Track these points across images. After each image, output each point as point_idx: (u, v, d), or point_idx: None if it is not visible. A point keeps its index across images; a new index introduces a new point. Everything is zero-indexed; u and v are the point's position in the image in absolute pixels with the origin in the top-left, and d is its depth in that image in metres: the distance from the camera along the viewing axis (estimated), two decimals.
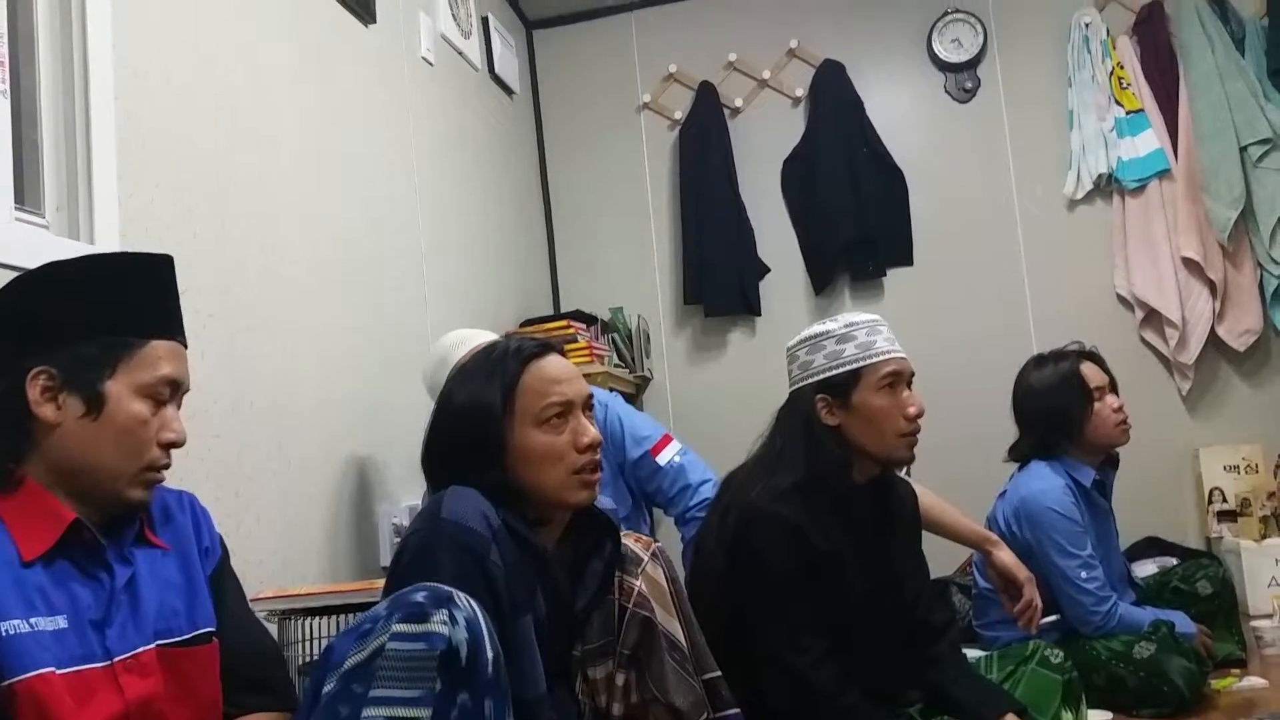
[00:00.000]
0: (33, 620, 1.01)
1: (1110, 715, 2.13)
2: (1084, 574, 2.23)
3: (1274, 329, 3.40)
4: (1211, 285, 3.40)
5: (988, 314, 3.60)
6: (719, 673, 1.44)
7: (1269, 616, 2.67)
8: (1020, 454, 2.40)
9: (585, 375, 1.43)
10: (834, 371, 1.78)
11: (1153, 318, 3.48)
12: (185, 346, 1.18)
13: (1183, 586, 2.51)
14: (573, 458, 1.31)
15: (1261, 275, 3.39)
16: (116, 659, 1.06)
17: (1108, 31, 3.58)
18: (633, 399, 3.67)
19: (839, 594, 1.72)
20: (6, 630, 0.99)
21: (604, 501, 1.40)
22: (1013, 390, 2.41)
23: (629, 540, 1.42)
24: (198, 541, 1.22)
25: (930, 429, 1.82)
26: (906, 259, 3.68)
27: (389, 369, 2.40)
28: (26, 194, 1.54)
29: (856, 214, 3.61)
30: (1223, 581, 2.52)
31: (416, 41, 2.87)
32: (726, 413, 3.58)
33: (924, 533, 1.99)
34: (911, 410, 1.77)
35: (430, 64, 2.93)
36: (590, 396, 1.37)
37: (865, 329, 1.79)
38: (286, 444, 1.96)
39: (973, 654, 2.02)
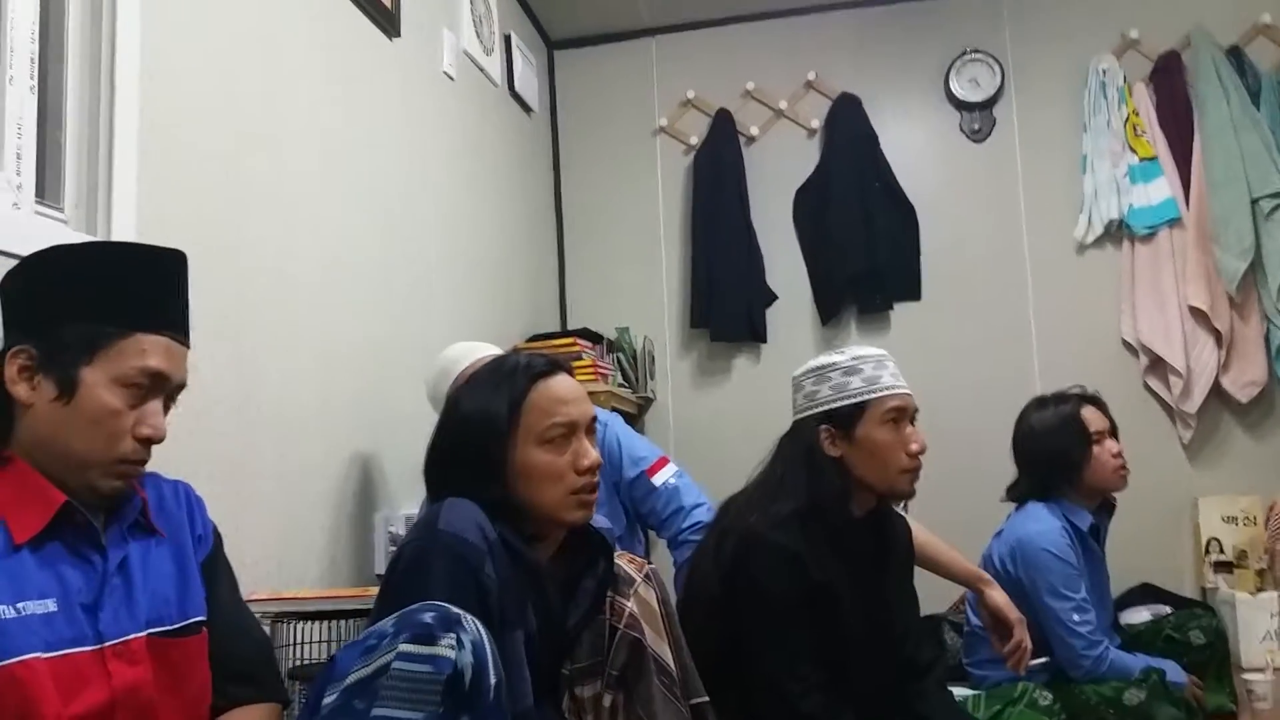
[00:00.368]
0: (20, 605, 1.01)
1: None
2: (1076, 617, 2.23)
3: (1278, 382, 3.40)
4: (1218, 335, 3.40)
5: (993, 353, 3.61)
6: (707, 698, 1.44)
7: (1261, 670, 2.66)
8: (1018, 494, 2.40)
9: (589, 393, 1.44)
10: (839, 403, 1.78)
11: (1157, 365, 3.48)
12: (185, 344, 1.17)
13: (1176, 635, 2.50)
14: (572, 478, 1.32)
15: (1268, 328, 3.39)
16: (107, 644, 1.06)
17: (1125, 78, 3.60)
18: (635, 419, 3.68)
19: (833, 625, 1.72)
20: None
21: (599, 520, 1.41)
22: (1013, 430, 2.42)
23: (622, 561, 1.43)
24: (191, 530, 1.22)
25: (930, 465, 1.82)
26: (914, 294, 3.69)
27: (393, 377, 2.42)
28: (47, 189, 1.56)
29: (866, 247, 3.63)
30: (1216, 632, 2.51)
31: (439, 56, 2.90)
32: (727, 437, 3.59)
33: (918, 569, 1.99)
34: (914, 446, 1.78)
35: (451, 79, 2.97)
36: (594, 419, 1.39)
37: (872, 363, 1.80)
38: (289, 447, 1.97)
39: (961, 693, 2.02)
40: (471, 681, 0.99)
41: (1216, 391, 3.43)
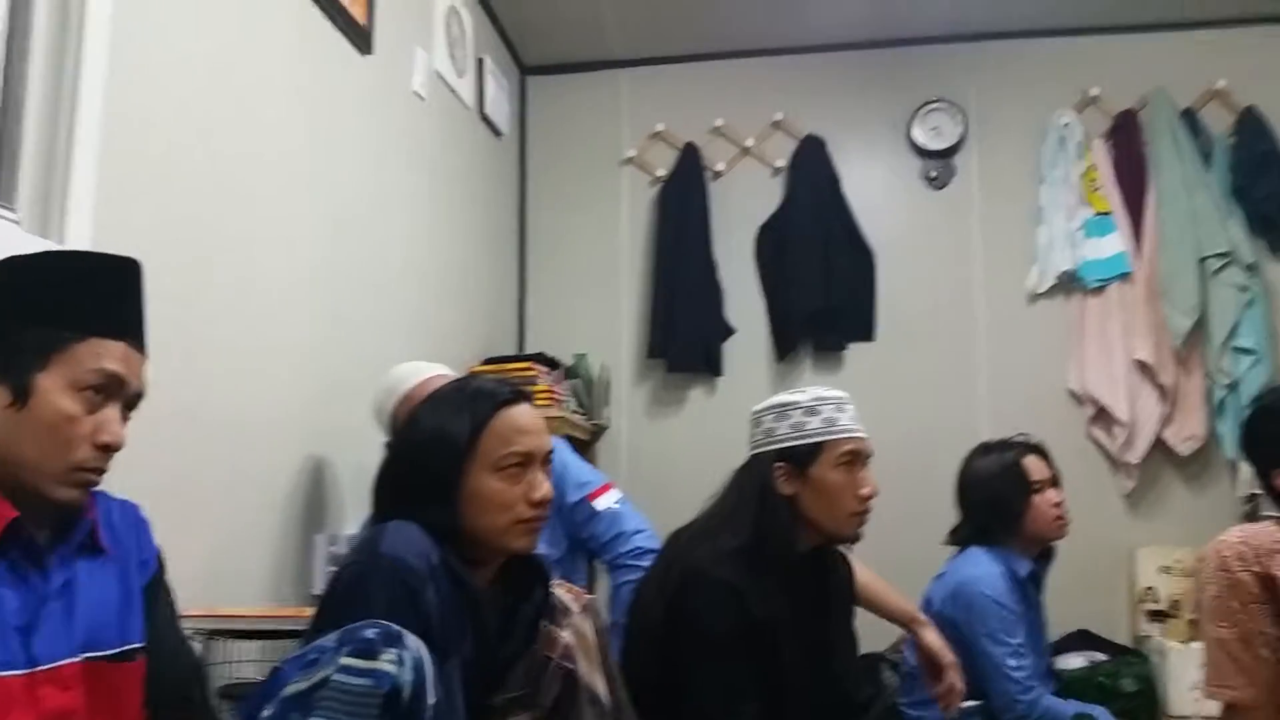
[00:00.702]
0: None
1: None
2: (1012, 662, 2.26)
3: (1217, 438, 3.48)
4: (1161, 389, 3.48)
5: (942, 397, 3.66)
6: None
7: (1189, 718, 2.71)
8: (960, 538, 2.44)
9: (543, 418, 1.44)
10: (797, 442, 1.81)
11: (1102, 416, 3.55)
12: (142, 353, 1.16)
13: (1107, 682, 2.55)
14: (522, 509, 1.33)
15: (1210, 384, 3.48)
16: (39, 668, 1.04)
17: (1084, 134, 3.69)
18: (588, 446, 3.69)
19: (772, 662, 1.74)
20: None
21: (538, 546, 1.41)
22: (958, 475, 2.46)
23: (561, 590, 1.43)
24: (137, 552, 1.20)
25: (876, 504, 1.85)
26: (868, 335, 3.74)
27: (346, 393, 2.40)
28: (2, 188, 1.54)
29: (824, 286, 3.67)
30: (1147, 680, 2.58)
31: (410, 75, 2.91)
32: (679, 468, 3.60)
33: (857, 607, 2.01)
34: (865, 491, 1.81)
35: (422, 98, 2.98)
36: (550, 452, 1.40)
37: (833, 405, 1.84)
38: (236, 460, 1.95)
39: None
40: (410, 699, 0.99)
41: (1158, 444, 3.50)
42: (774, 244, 3.80)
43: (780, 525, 1.79)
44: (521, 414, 1.37)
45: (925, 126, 3.79)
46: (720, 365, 3.77)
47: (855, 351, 3.75)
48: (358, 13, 2.51)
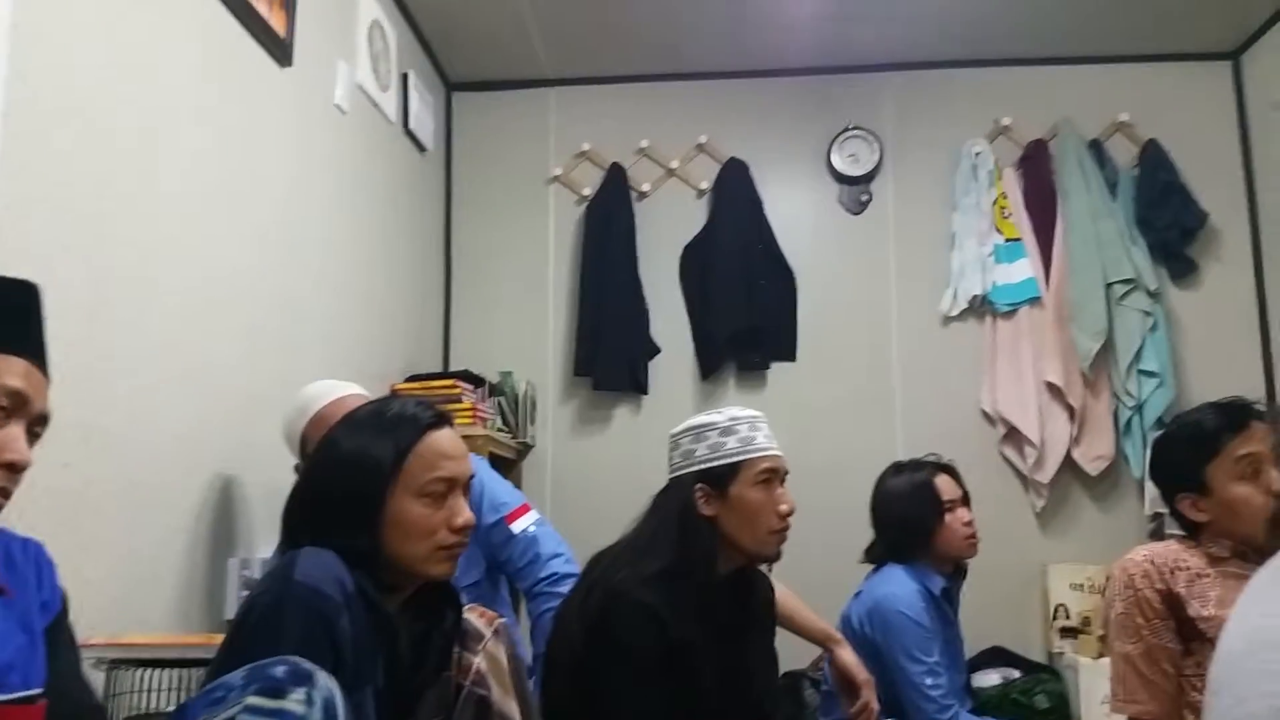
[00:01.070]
0: None
1: None
2: (929, 680, 2.29)
3: (1124, 457, 3.61)
4: (1071, 410, 3.59)
5: (859, 416, 3.73)
6: None
7: None
8: (874, 556, 2.48)
9: (466, 437, 1.43)
10: (715, 463, 1.82)
11: (1013, 435, 3.65)
12: (45, 374, 1.11)
13: (1021, 699, 2.62)
14: (443, 535, 1.31)
15: (1117, 406, 3.60)
16: None
17: (996, 163, 3.81)
18: (513, 465, 3.66)
19: (691, 684, 1.74)
20: None
21: None
22: (872, 494, 2.50)
23: (472, 615, 1.41)
24: (39, 592, 1.15)
25: (794, 524, 1.87)
26: (790, 355, 3.80)
27: (259, 412, 2.34)
28: None
29: (747, 306, 3.72)
30: (1059, 697, 2.64)
31: (331, 88, 2.87)
32: (605, 486, 3.60)
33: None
34: (783, 508, 1.83)
35: (343, 111, 2.94)
36: (472, 478, 1.38)
37: (747, 424, 1.85)
38: (140, 480, 1.88)
39: None
40: None
41: (1068, 463, 3.61)
42: (698, 264, 3.83)
43: (703, 547, 1.80)
44: (445, 439, 1.35)
45: (843, 153, 3.87)
46: (646, 384, 3.79)
47: (778, 371, 3.80)
48: (277, 24, 2.47)
